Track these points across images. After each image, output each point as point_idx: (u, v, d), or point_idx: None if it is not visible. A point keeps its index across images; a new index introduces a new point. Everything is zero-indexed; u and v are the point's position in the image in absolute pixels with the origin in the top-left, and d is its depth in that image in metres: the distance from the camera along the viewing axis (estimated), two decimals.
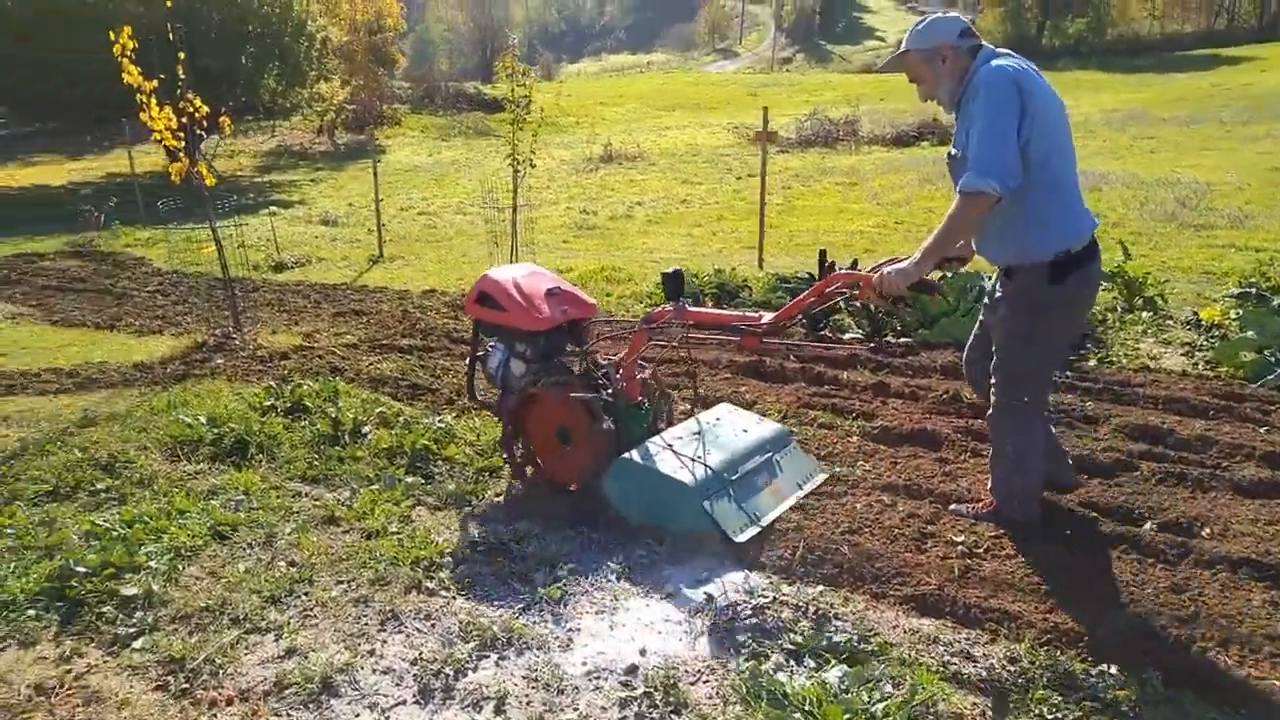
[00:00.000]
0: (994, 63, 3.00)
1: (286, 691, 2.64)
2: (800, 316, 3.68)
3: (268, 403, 4.98)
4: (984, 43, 3.13)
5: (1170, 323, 6.25)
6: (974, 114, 2.95)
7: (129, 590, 3.16)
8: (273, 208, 16.48)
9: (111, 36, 5.91)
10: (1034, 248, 3.04)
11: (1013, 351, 3.20)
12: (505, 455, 4.05)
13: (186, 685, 2.69)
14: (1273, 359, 5.03)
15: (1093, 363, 5.56)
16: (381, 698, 2.61)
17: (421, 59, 53.12)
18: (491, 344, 4.13)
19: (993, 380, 3.30)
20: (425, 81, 35.91)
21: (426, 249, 12.50)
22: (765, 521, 3.43)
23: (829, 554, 3.21)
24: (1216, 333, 5.89)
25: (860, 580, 3.09)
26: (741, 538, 3.30)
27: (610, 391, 3.81)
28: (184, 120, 6.21)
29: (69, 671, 2.78)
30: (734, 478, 3.50)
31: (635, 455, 3.55)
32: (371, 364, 5.99)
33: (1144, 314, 6.37)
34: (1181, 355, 5.65)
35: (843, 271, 3.35)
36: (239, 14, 17.88)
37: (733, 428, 3.84)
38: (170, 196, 8.85)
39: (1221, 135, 21.25)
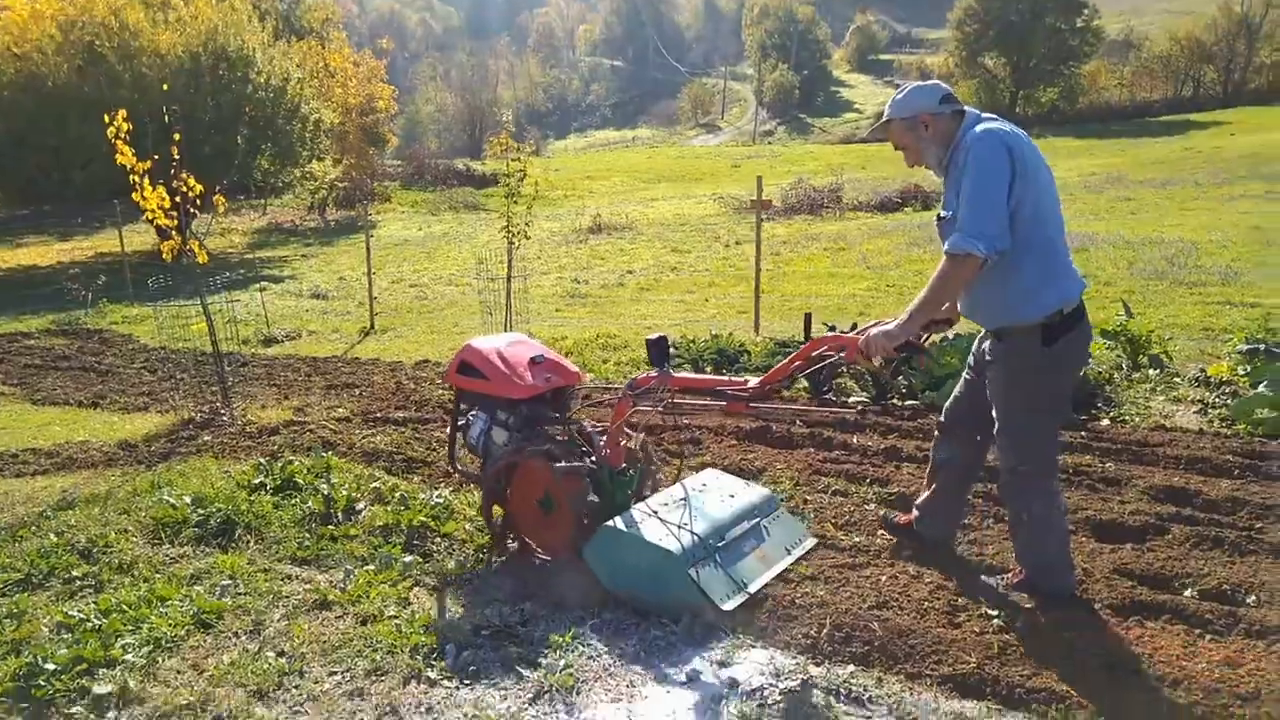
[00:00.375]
0: (983, 126, 3.01)
1: None
2: (786, 381, 3.60)
3: (256, 480, 4.78)
4: (966, 108, 3.15)
5: (1178, 380, 6.15)
6: (964, 176, 2.93)
7: (102, 688, 2.92)
8: (263, 283, 16.44)
9: (106, 120, 5.86)
10: (1025, 310, 3.02)
11: (1014, 417, 3.15)
12: (488, 529, 3.93)
13: None
14: None
15: (1105, 422, 5.43)
16: None
17: (411, 138, 54.02)
18: (473, 413, 4.05)
19: (998, 449, 3.25)
20: (415, 159, 36.39)
21: (418, 320, 12.40)
22: (753, 588, 3.29)
23: (858, 631, 3.02)
24: (1226, 389, 5.79)
25: (893, 659, 2.88)
26: (729, 605, 3.16)
27: (594, 459, 3.75)
28: (177, 199, 6.12)
29: None
30: (720, 544, 3.37)
31: (619, 523, 3.42)
32: (365, 438, 5.80)
33: (1150, 372, 6.28)
34: (1195, 413, 5.53)
35: (828, 334, 3.34)
36: (234, 99, 18.14)
37: (719, 493, 3.74)
38: (160, 273, 8.74)
39: (1198, 196, 21.62)
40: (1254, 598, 3.14)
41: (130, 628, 3.33)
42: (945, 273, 2.90)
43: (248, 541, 4.16)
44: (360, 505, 4.50)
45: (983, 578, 3.39)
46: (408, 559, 3.88)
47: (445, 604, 3.51)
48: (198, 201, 6.24)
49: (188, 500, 4.51)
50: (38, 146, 17.32)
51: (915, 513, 3.71)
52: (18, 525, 4.49)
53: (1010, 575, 3.35)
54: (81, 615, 3.41)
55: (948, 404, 3.60)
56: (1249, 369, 5.87)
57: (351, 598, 3.55)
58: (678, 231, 23.02)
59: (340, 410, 6.69)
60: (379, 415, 6.42)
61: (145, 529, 4.34)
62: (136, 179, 5.96)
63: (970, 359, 3.46)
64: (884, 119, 3.24)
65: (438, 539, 4.10)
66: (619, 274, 16.57)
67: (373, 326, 11.62)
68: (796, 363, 3.40)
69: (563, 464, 3.63)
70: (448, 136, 61.13)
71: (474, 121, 54.40)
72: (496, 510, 3.93)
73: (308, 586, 3.71)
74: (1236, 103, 47.44)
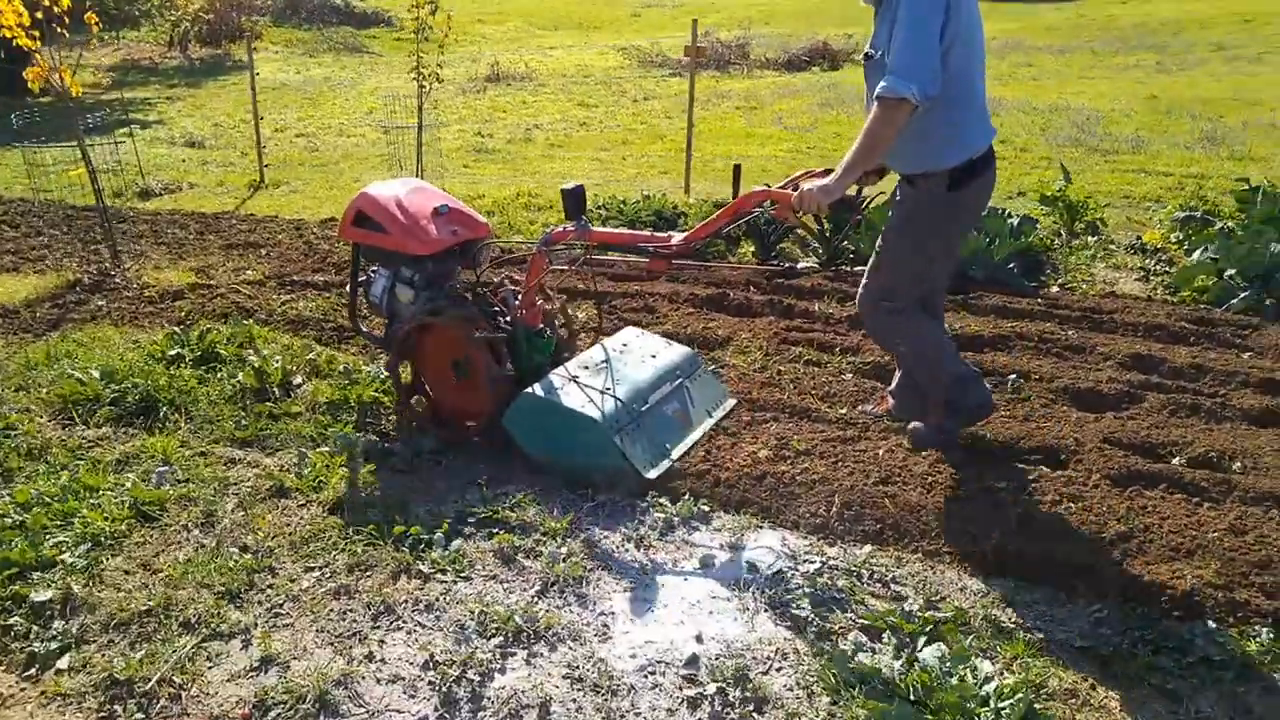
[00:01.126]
0: None
1: (273, 714, 2.16)
2: (711, 237, 3.45)
3: (172, 352, 4.26)
4: None
5: (1113, 247, 6.24)
6: (897, 11, 2.71)
7: (41, 594, 2.56)
8: (129, 128, 14.77)
9: None
10: (939, 158, 2.92)
11: (900, 256, 3.11)
12: (394, 390, 3.68)
13: (141, 716, 2.16)
14: (1233, 283, 5.03)
15: (1055, 290, 5.46)
16: (395, 715, 2.16)
17: None
18: (374, 269, 3.72)
19: (864, 283, 3.23)
20: None
21: (313, 174, 11.44)
22: (676, 454, 3.26)
23: (868, 509, 2.92)
24: (1163, 257, 5.90)
25: (909, 537, 2.81)
26: (653, 473, 3.13)
27: (509, 319, 3.56)
28: (38, 16, 5.19)
29: None
30: (643, 408, 3.29)
31: (539, 389, 3.27)
32: (285, 304, 5.28)
33: (1089, 239, 6.34)
34: (1137, 280, 5.63)
35: (759, 189, 3.13)
36: None
37: (640, 353, 3.62)
38: (25, 110, 7.61)
39: (1094, 64, 21.99)
40: (1239, 464, 3.21)
41: (59, 522, 2.93)
42: (877, 119, 2.71)
43: (175, 422, 3.72)
44: (298, 380, 4.10)
45: (860, 408, 3.43)
46: (368, 438, 3.55)
47: (418, 488, 3.23)
48: (65, 20, 5.31)
49: (95, 374, 3.99)
50: None
51: (890, 399, 3.60)
52: None
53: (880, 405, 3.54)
54: None
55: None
56: (1183, 236, 6.00)
57: (310, 483, 3.23)
58: (582, 85, 21.91)
59: (250, 273, 6.07)
60: (295, 279, 5.85)
61: (51, 407, 3.84)
62: None
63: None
64: None
65: (393, 417, 3.76)
66: (525, 128, 15.70)
67: (263, 180, 10.63)
68: (725, 218, 3.25)
69: (482, 333, 3.39)
70: None
71: None
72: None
73: (257, 471, 3.35)
74: None
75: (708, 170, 11.00)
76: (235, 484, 3.25)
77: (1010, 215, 6.08)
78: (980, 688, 2.07)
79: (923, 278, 3.16)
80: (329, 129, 15.57)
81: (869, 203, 3.48)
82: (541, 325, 3.60)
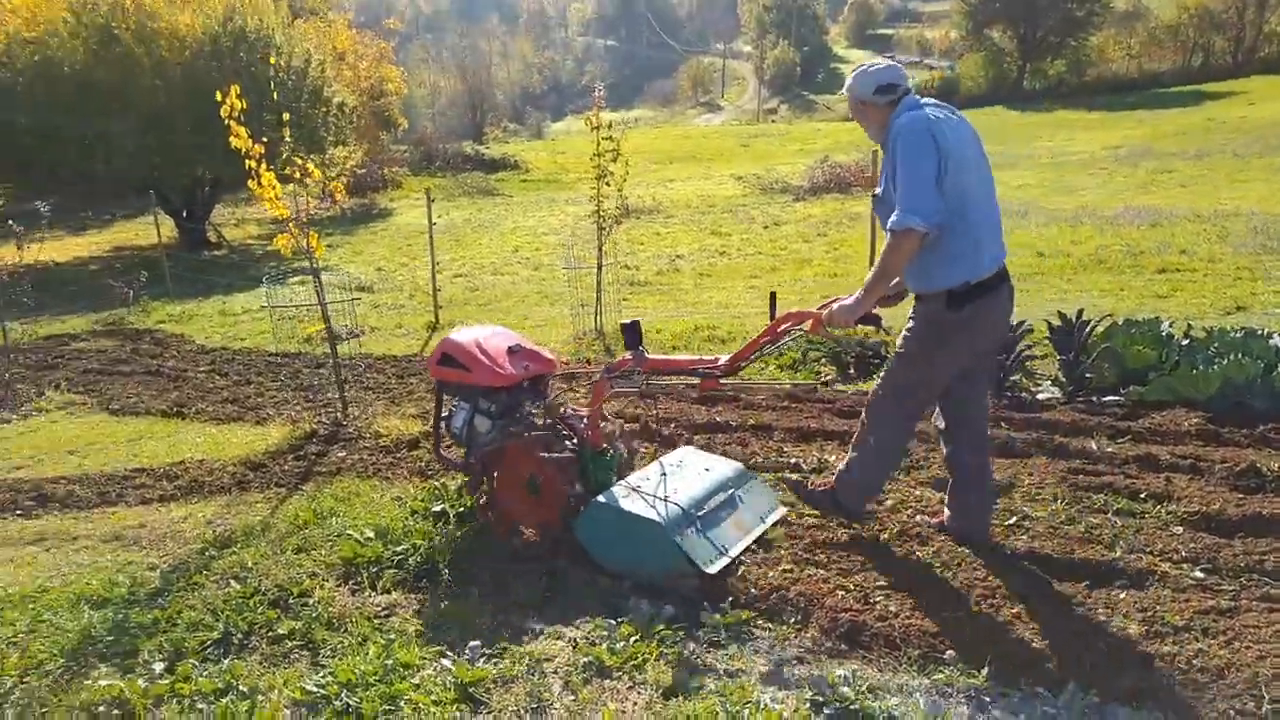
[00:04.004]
0: (911, 113, 3.19)
1: None
2: (753, 356, 3.75)
3: (435, 508, 4.20)
4: (909, 91, 3.30)
5: None
6: (895, 160, 3.13)
7: None
8: (298, 276, 15.75)
9: (220, 98, 5.22)
10: (934, 279, 3.22)
11: (906, 365, 3.40)
12: (478, 512, 4.08)
13: None
14: None
15: None
16: None
17: (410, 123, 53.02)
18: (456, 403, 4.18)
19: (879, 380, 3.56)
20: (423, 144, 35.54)
21: (480, 313, 11.80)
22: (734, 553, 3.53)
23: None
24: None
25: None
26: (712, 569, 3.38)
27: (575, 441, 3.93)
28: (290, 187, 5.52)
29: None
30: (700, 513, 3.57)
31: (605, 499, 3.60)
32: None
33: None
34: None
35: (794, 311, 3.55)
36: (259, 85, 17.38)
37: (695, 468, 3.93)
38: (247, 266, 8.11)
39: (1243, 168, 21.14)
40: None
41: (388, 707, 2.77)
42: (890, 248, 3.10)
43: (461, 585, 3.59)
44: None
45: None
46: (667, 609, 3.32)
47: (745, 668, 2.95)
48: (316, 186, 5.61)
49: (371, 535, 3.94)
50: (59, 138, 16.51)
51: (946, 511, 3.77)
52: (182, 568, 3.91)
53: (823, 483, 3.83)
54: (322, 690, 2.86)
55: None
56: None
57: (628, 659, 3.00)
58: (709, 214, 22.40)
59: None
60: None
61: (334, 570, 3.77)
62: (253, 164, 5.33)
63: None
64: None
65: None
66: (666, 259, 15.97)
67: (438, 321, 11.01)
68: (765, 338, 3.65)
69: (551, 455, 3.77)
70: (443, 120, 60.03)
71: (474, 104, 53.34)
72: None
73: (562, 644, 3.15)
74: (1247, 71, 46.85)
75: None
76: (548, 659, 3.05)
77: (1270, 334, 5.58)
78: None
79: (929, 386, 3.41)
80: (483, 268, 16.21)
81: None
82: (605, 445, 3.90)
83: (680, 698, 2.78)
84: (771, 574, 3.45)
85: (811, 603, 3.25)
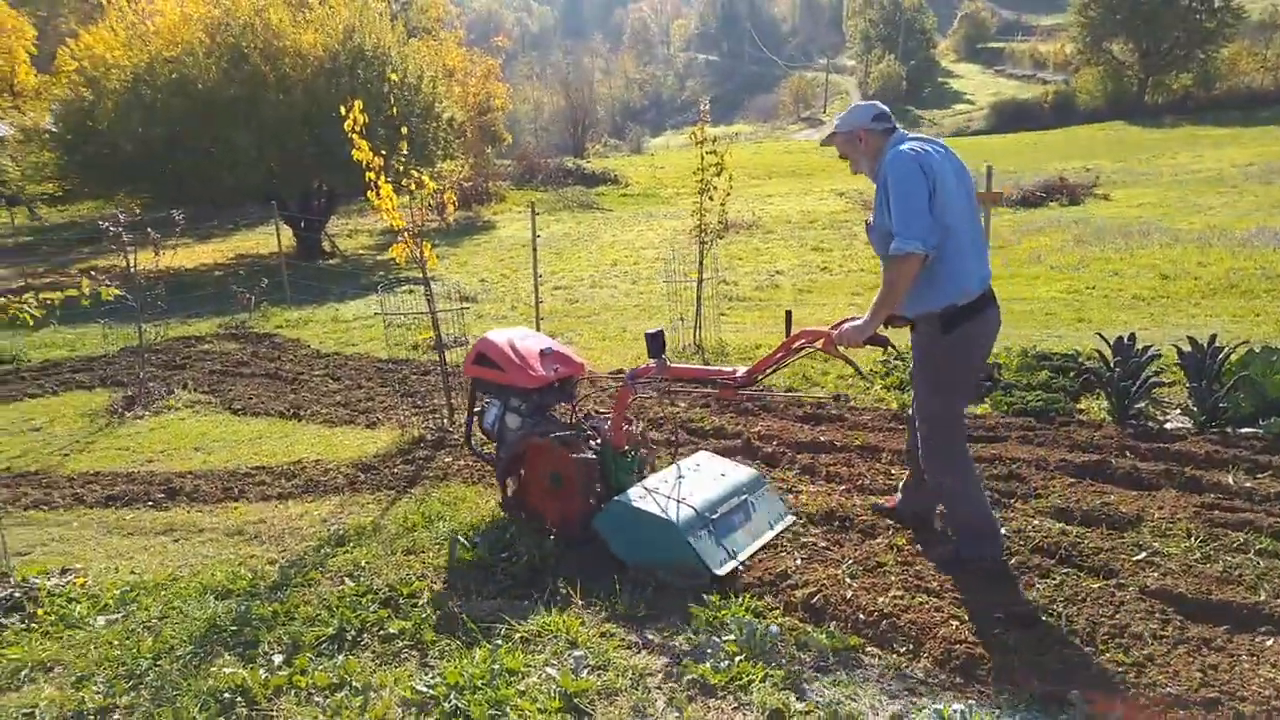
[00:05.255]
0: (900, 147, 3.41)
1: None
2: (770, 370, 3.89)
3: None
4: (897, 127, 3.54)
5: None
6: (889, 191, 3.32)
7: None
8: (407, 285, 16.28)
9: (343, 112, 5.45)
10: (926, 301, 3.41)
11: (925, 396, 3.61)
12: (500, 500, 4.38)
13: None
14: None
15: None
16: None
17: (514, 138, 54.30)
18: (488, 400, 4.45)
19: (915, 422, 3.72)
20: (525, 158, 36.31)
21: (580, 325, 11.92)
22: (743, 556, 3.74)
23: None
24: None
25: None
26: (722, 570, 3.60)
27: (599, 441, 4.15)
28: (404, 198, 5.71)
29: None
30: (714, 517, 3.78)
31: (624, 498, 3.84)
32: None
33: None
34: None
35: (807, 329, 3.74)
36: (373, 100, 18.13)
37: (711, 473, 4.12)
38: (382, 276, 8.43)
39: None
40: None
41: (494, 711, 2.80)
42: (892, 272, 3.30)
43: (566, 595, 3.61)
44: None
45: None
46: (773, 628, 3.26)
47: (853, 694, 2.87)
48: (429, 198, 5.80)
49: (476, 540, 4.01)
50: (189, 149, 17.57)
51: (898, 494, 4.16)
52: (300, 563, 4.06)
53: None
54: (431, 691, 2.91)
55: None
56: None
57: (733, 678, 2.95)
58: (809, 230, 22.14)
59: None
60: None
61: (441, 573, 3.85)
62: (372, 176, 5.53)
63: None
64: (831, 132, 3.65)
65: (791, 589, 3.46)
66: (766, 274, 15.83)
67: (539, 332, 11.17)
68: (780, 354, 3.84)
69: (580, 455, 3.98)
70: (545, 135, 61.23)
71: (576, 120, 54.20)
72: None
73: (665, 660, 3.13)
74: None
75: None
76: (652, 674, 3.04)
77: None
78: None
79: (945, 411, 3.57)
80: (582, 281, 16.42)
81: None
82: (627, 447, 4.13)
83: None
84: (881, 600, 3.35)
85: (924, 632, 3.14)
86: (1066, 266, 13.70)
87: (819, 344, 3.62)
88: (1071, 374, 6.35)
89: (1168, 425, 5.37)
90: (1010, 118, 51.24)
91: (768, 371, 3.88)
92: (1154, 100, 48.57)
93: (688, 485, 3.91)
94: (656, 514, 3.67)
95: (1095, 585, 3.39)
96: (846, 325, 3.50)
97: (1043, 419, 5.63)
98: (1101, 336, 6.30)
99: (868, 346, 3.50)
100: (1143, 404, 5.55)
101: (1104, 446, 4.96)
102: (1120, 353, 5.80)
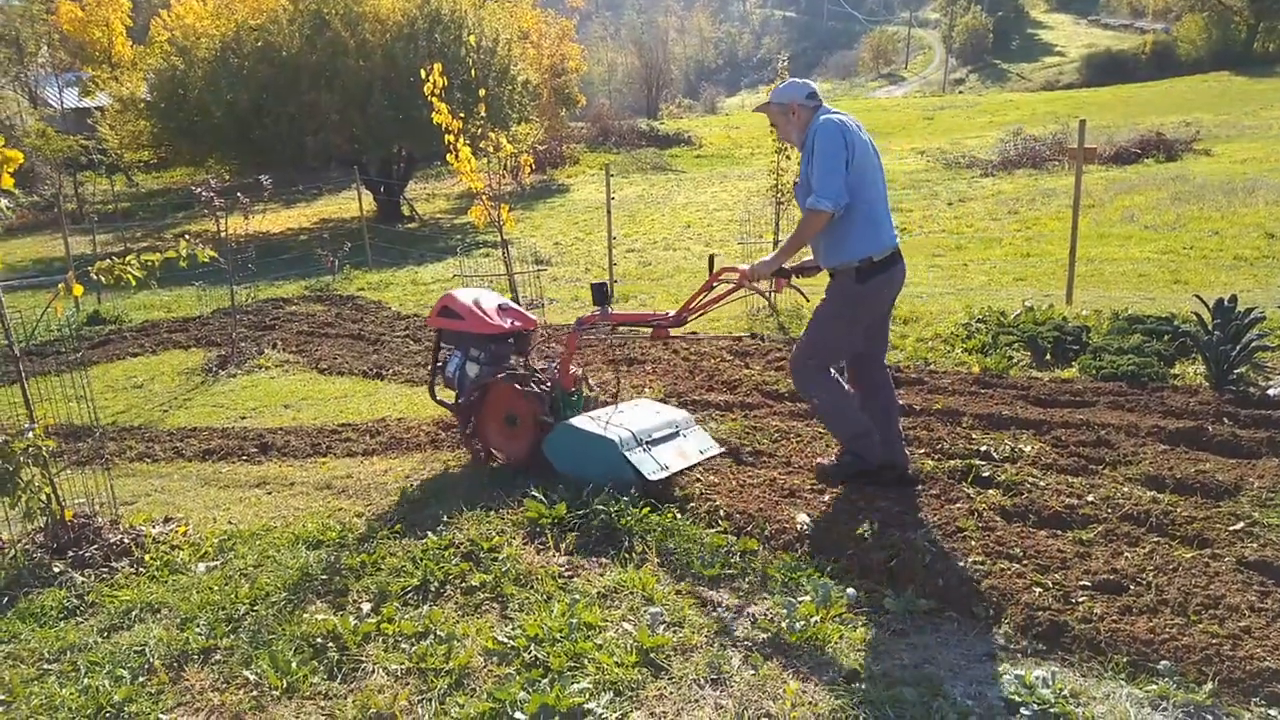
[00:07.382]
0: (827, 117, 3.87)
1: None
2: (697, 310, 4.34)
3: None
4: (822, 103, 3.99)
5: None
6: (814, 153, 3.80)
7: None
8: (483, 249, 16.50)
9: (423, 75, 5.51)
10: (844, 254, 3.86)
11: (821, 328, 4.04)
12: (464, 443, 4.90)
13: None
14: None
15: None
16: None
17: (587, 99, 54.13)
18: (450, 351, 4.90)
19: (795, 347, 4.22)
20: (599, 121, 36.22)
21: (653, 288, 11.91)
22: (673, 469, 4.20)
23: None
24: None
25: None
26: (655, 477, 4.07)
27: (549, 385, 4.60)
28: (484, 160, 5.76)
29: None
30: (648, 440, 4.26)
31: (569, 423, 4.31)
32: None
33: None
34: None
35: (726, 267, 4.16)
36: (449, 64, 18.34)
37: (648, 409, 4.61)
38: (466, 236, 8.56)
39: None
40: None
41: (573, 663, 2.87)
42: (804, 223, 3.82)
43: (641, 554, 3.66)
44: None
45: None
46: (850, 590, 3.24)
47: (937, 658, 2.85)
48: (507, 163, 5.85)
49: (555, 497, 4.08)
50: (275, 114, 18.04)
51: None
52: (385, 517, 4.22)
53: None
54: (511, 642, 3.00)
55: None
56: None
57: (809, 638, 2.96)
58: (889, 189, 21.52)
59: (645, 392, 6.19)
60: (696, 399, 5.86)
61: (520, 528, 3.94)
62: (451, 139, 5.60)
63: None
64: (765, 103, 4.14)
65: (873, 551, 3.44)
66: None
67: (613, 295, 11.20)
68: (702, 292, 4.24)
69: (530, 389, 4.49)
70: (618, 96, 60.85)
71: (650, 81, 53.70)
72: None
73: (742, 619, 3.15)
74: None
75: (1064, 274, 10.06)
76: (727, 633, 3.06)
77: None
78: None
79: (838, 348, 4.08)
80: (655, 244, 16.37)
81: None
82: (573, 389, 4.64)
83: (864, 683, 2.71)
84: (961, 565, 3.30)
85: (1005, 598, 3.09)
86: (1162, 226, 13.07)
87: (735, 278, 4.09)
88: (1166, 337, 6.08)
89: (1270, 391, 5.11)
90: (1103, 70, 48.92)
91: (695, 312, 4.35)
92: (1264, 48, 45.66)
93: (626, 416, 4.38)
94: (598, 433, 4.16)
95: (1188, 555, 3.28)
96: (757, 262, 4.01)
97: (1135, 384, 5.42)
98: (1200, 299, 6.00)
99: (776, 282, 4.20)
100: (1243, 369, 5.29)
101: (1200, 413, 4.76)
102: (1220, 315, 5.52)
